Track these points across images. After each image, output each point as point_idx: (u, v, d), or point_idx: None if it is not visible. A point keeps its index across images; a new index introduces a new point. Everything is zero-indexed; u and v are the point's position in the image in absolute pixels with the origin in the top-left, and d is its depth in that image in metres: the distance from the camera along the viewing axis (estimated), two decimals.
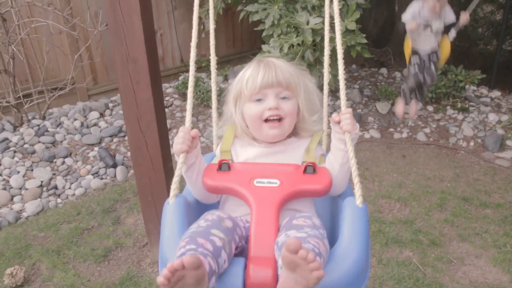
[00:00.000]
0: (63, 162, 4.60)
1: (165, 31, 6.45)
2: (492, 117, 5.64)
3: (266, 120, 1.39)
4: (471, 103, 6.06)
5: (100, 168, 4.57)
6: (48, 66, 5.43)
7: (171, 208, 1.24)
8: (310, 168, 1.29)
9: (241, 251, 1.19)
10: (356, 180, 1.26)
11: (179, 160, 1.27)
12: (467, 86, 6.16)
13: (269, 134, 1.39)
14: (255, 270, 1.04)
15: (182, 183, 1.37)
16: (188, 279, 0.93)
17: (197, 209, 1.38)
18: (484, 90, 6.58)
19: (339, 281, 1.05)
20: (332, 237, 1.26)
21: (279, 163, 1.34)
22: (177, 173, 1.27)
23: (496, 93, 6.46)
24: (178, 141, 1.28)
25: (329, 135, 1.49)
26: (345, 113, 1.30)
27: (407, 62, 4.14)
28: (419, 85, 4.05)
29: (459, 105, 5.92)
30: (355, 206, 1.22)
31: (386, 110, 5.81)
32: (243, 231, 1.21)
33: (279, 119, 1.37)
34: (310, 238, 1.03)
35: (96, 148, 4.82)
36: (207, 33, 6.44)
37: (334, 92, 6.12)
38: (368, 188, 4.24)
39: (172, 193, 1.28)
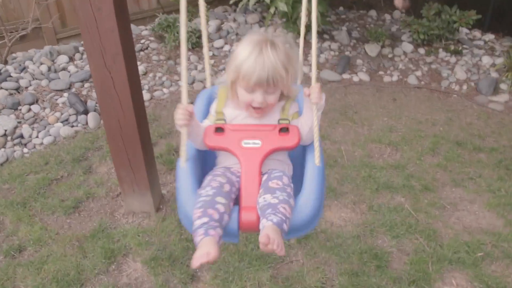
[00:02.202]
0: (29, 110, 4.24)
1: None
2: (486, 60, 5.38)
3: (253, 106, 1.61)
4: (464, 46, 5.78)
5: (70, 115, 4.23)
6: (8, 5, 4.93)
7: (185, 171, 1.54)
8: (284, 129, 1.59)
9: (236, 197, 1.54)
10: (316, 144, 1.55)
11: (183, 133, 1.50)
12: (460, 29, 5.85)
13: (253, 115, 1.64)
14: (245, 215, 1.44)
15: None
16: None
17: (200, 156, 1.68)
18: (477, 33, 6.29)
19: (300, 224, 1.46)
20: (302, 169, 1.61)
21: (260, 124, 1.61)
22: (183, 142, 1.52)
23: (489, 36, 6.18)
24: (179, 117, 1.46)
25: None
26: (314, 87, 1.51)
27: None
28: None
29: (452, 47, 5.63)
30: (314, 165, 1.55)
31: (375, 53, 5.50)
32: (236, 185, 1.54)
33: (262, 108, 1.61)
34: (280, 205, 1.38)
35: (65, 94, 4.45)
36: None
37: (321, 34, 5.77)
38: (358, 132, 4.01)
39: (182, 158, 1.55)
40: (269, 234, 1.26)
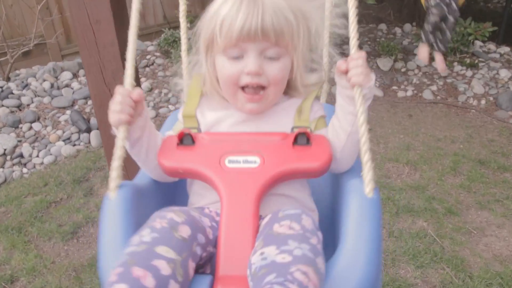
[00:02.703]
0: (30, 128, 4.10)
1: None
2: (504, 73, 5.16)
3: (244, 88, 1.00)
4: (480, 59, 5.58)
5: (72, 134, 4.08)
6: (13, 22, 4.83)
7: (112, 206, 0.91)
8: (302, 138, 0.95)
9: (210, 258, 0.87)
10: (366, 157, 0.90)
11: (119, 135, 0.93)
12: (475, 41, 5.66)
13: (245, 107, 1.02)
14: (223, 278, 0.78)
15: None
16: None
17: (156, 190, 1.05)
18: (492, 46, 6.09)
19: None
20: (333, 221, 0.97)
21: (261, 132, 0.99)
22: (116, 153, 0.92)
23: (505, 49, 5.97)
24: (115, 109, 0.92)
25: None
26: (356, 58, 0.93)
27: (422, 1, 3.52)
28: (443, 18, 3.38)
29: (467, 60, 5.43)
30: (363, 197, 0.88)
31: (388, 67, 5.31)
32: (209, 234, 0.89)
33: (262, 87, 0.99)
34: (295, 267, 0.73)
35: (68, 112, 4.31)
36: None
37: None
38: (373, 151, 3.79)
39: (112, 183, 0.92)
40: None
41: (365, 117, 0.90)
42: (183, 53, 1.21)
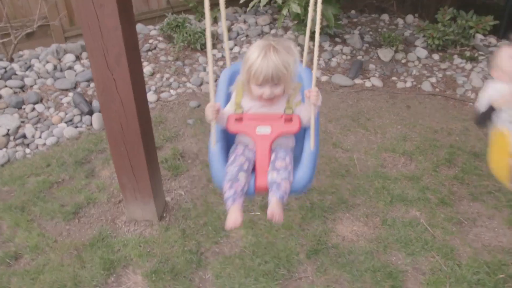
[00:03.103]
0: (33, 109, 4.14)
1: None
2: None
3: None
4: (480, 53, 5.60)
5: (74, 116, 4.13)
6: (16, 2, 4.84)
7: (215, 150, 1.97)
8: (288, 118, 1.96)
9: (253, 168, 1.95)
10: (312, 133, 1.90)
11: (212, 125, 1.93)
12: (476, 34, 5.68)
13: (265, 104, 1.98)
14: (259, 181, 1.87)
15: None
16: None
17: (225, 136, 2.08)
18: (493, 39, 6.11)
19: (295, 191, 1.88)
20: (299, 149, 2.02)
21: (270, 114, 1.98)
22: (213, 130, 1.94)
23: (506, 43, 6.00)
24: (209, 114, 1.88)
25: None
26: (313, 91, 1.85)
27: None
28: None
29: (467, 54, 5.46)
30: (310, 149, 1.92)
31: (389, 58, 5.34)
32: (252, 159, 1.95)
33: (271, 99, 1.95)
34: (282, 183, 1.82)
35: (70, 94, 4.35)
36: None
37: (332, 37, 5.63)
38: (370, 140, 3.86)
39: (213, 141, 1.96)
40: (273, 212, 1.77)
41: (315, 112, 1.87)
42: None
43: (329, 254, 2.64)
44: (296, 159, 1.96)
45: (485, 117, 2.36)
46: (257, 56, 1.85)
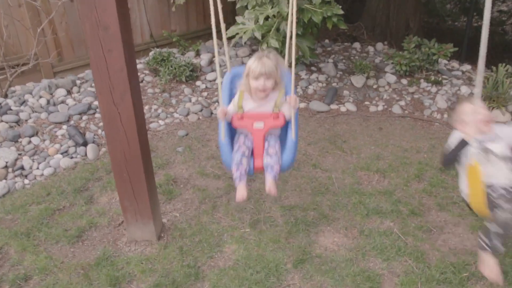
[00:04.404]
0: (29, 142, 4.36)
1: (133, 6, 6.16)
2: (465, 90, 5.70)
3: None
4: (444, 76, 6.11)
5: (69, 147, 4.37)
6: (8, 41, 5.10)
7: (224, 142, 2.67)
8: (276, 116, 2.67)
9: (252, 153, 2.68)
10: (293, 126, 2.63)
11: (221, 124, 2.68)
12: (439, 60, 6.19)
13: (261, 96, 2.67)
14: (256, 162, 2.63)
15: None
16: None
17: (230, 128, 2.76)
18: (455, 64, 6.66)
19: (282, 170, 2.63)
20: (284, 138, 2.75)
21: (263, 113, 2.68)
22: (221, 127, 2.68)
23: (466, 67, 6.54)
24: (219, 115, 2.64)
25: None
26: (292, 97, 2.60)
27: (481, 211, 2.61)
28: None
29: (432, 78, 5.96)
30: (291, 139, 2.64)
31: (361, 84, 5.78)
32: (251, 147, 2.67)
33: (265, 90, 2.64)
34: (275, 165, 2.57)
35: (64, 126, 4.60)
36: (178, 7, 6.21)
37: (308, 66, 6.05)
38: (347, 161, 4.22)
39: (222, 135, 2.66)
40: (270, 188, 2.53)
41: (294, 112, 2.62)
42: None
43: (313, 262, 2.94)
44: (282, 143, 2.69)
45: (455, 153, 2.50)
46: (254, 60, 2.60)
